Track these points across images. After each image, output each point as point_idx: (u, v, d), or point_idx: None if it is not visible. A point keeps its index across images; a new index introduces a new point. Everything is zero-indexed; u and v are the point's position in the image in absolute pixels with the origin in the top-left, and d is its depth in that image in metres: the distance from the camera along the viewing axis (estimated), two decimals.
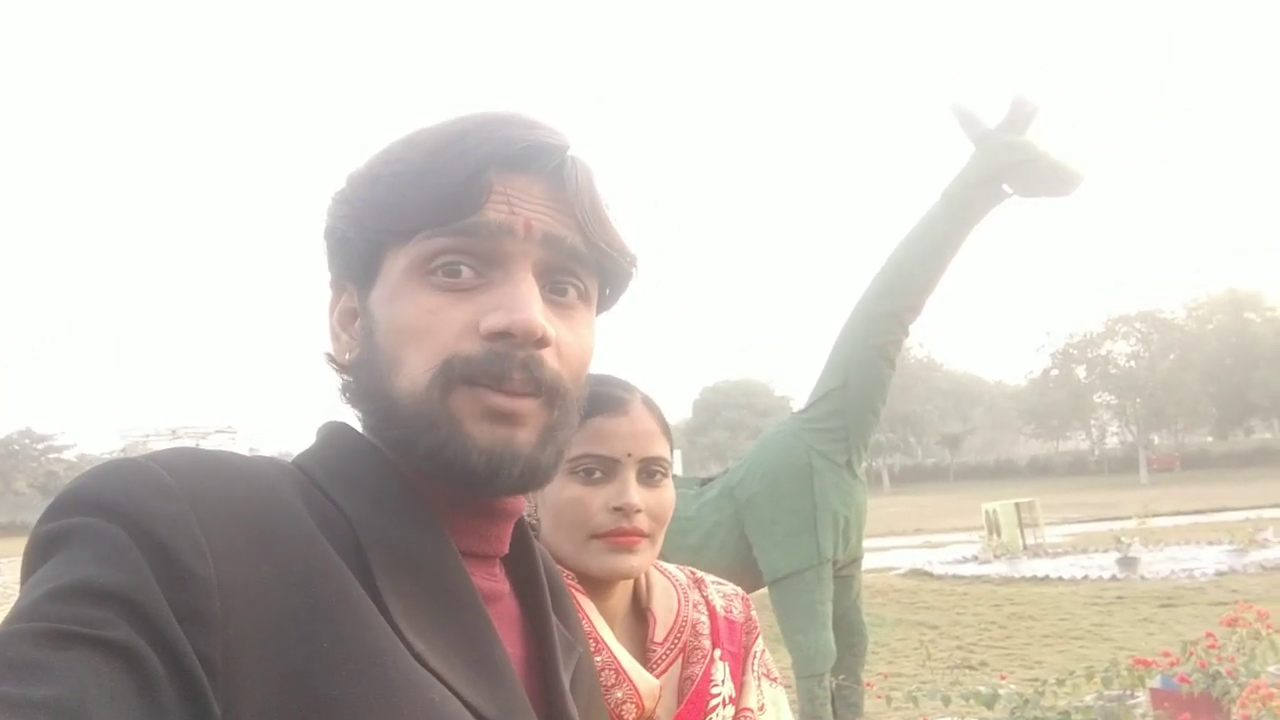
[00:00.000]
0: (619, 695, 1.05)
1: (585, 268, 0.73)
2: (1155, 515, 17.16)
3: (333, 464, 0.70)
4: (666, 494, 1.14)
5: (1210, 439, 52.57)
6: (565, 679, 0.74)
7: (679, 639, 1.15)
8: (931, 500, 29.43)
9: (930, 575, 13.35)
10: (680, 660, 1.14)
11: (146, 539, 0.55)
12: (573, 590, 1.10)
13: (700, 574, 1.27)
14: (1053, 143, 5.10)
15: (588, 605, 1.11)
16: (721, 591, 1.24)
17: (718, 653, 1.16)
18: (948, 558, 15.45)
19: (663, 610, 1.17)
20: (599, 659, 1.05)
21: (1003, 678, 5.15)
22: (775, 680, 1.22)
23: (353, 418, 0.74)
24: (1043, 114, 4.99)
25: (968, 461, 59.23)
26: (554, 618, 0.78)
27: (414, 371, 0.68)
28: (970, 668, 7.34)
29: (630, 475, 1.12)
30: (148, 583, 0.54)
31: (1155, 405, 47.02)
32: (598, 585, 1.12)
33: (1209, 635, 4.55)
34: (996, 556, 14.81)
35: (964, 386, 63.80)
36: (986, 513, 16.35)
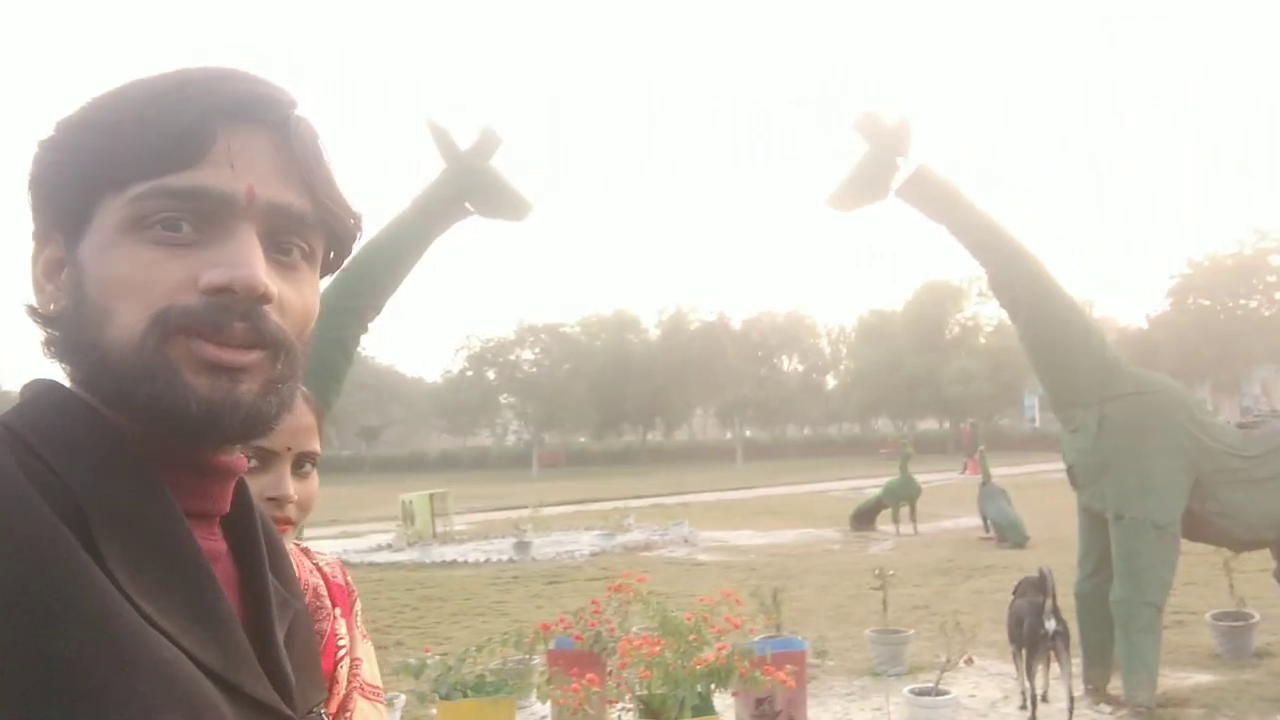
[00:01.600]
0: None
1: (310, 230, 0.73)
2: (545, 505, 18.89)
3: (45, 424, 0.67)
4: (312, 485, 1.21)
5: (590, 440, 60.32)
6: (280, 634, 0.75)
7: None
8: (348, 491, 29.60)
9: (348, 564, 13.56)
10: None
11: None
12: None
13: (305, 546, 1.35)
14: (510, 172, 5.75)
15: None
16: (325, 560, 1.35)
17: (338, 611, 1.26)
18: (364, 546, 15.84)
19: None
20: None
21: (427, 650, 5.63)
22: (367, 637, 1.37)
23: (60, 375, 0.71)
24: (506, 145, 5.61)
25: (383, 454, 60.66)
26: (271, 576, 0.78)
27: (127, 322, 0.66)
28: (387, 647, 7.75)
29: (285, 468, 1.17)
30: None
31: (550, 408, 52.75)
32: None
33: (593, 602, 5.47)
34: (410, 544, 15.54)
35: (385, 381, 65.13)
36: (403, 503, 17.06)
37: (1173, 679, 5.88)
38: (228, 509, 0.77)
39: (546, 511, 18.72)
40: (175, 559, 0.66)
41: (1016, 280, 5.66)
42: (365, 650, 1.33)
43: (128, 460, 0.67)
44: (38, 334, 0.71)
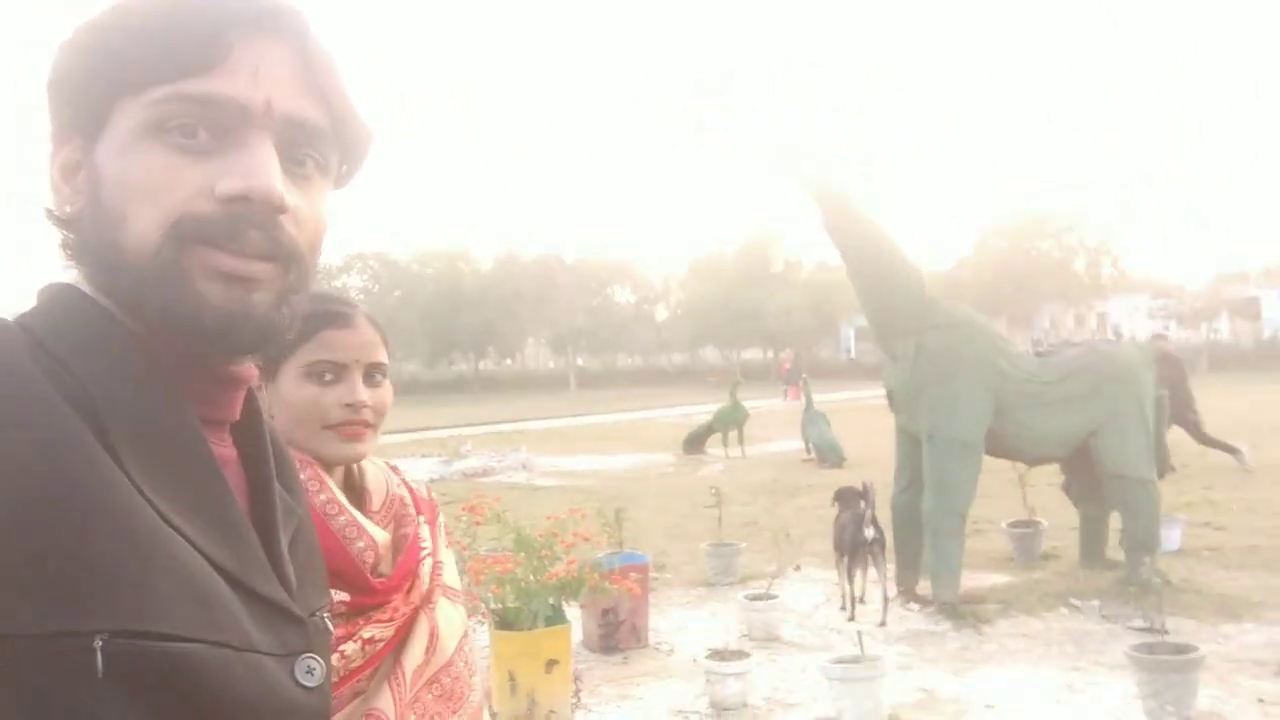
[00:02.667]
0: (361, 545, 1.25)
1: (325, 142, 0.73)
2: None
3: (61, 326, 0.67)
4: (386, 392, 1.34)
5: (421, 368, 59.34)
6: (284, 539, 0.76)
7: (390, 509, 1.37)
8: None
9: None
10: (393, 524, 1.36)
11: None
12: (313, 467, 1.27)
13: (395, 465, 1.48)
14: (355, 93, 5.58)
15: (329, 480, 1.29)
16: (413, 479, 1.47)
17: (422, 518, 1.39)
18: None
19: (375, 487, 1.38)
20: (342, 519, 1.25)
21: None
22: (450, 547, 1.48)
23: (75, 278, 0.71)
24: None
25: None
26: (277, 484, 0.80)
27: (143, 228, 0.66)
28: None
29: (357, 378, 1.29)
30: None
31: None
32: (327, 468, 1.30)
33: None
34: None
35: None
36: None
37: (973, 580, 6.53)
38: (237, 416, 0.78)
39: (381, 439, 18.39)
40: (189, 461, 0.68)
41: (848, 224, 6.04)
42: (447, 556, 1.44)
43: (143, 364, 0.68)
44: (55, 235, 0.71)
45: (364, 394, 1.29)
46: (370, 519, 1.32)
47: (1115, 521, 6.74)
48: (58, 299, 0.70)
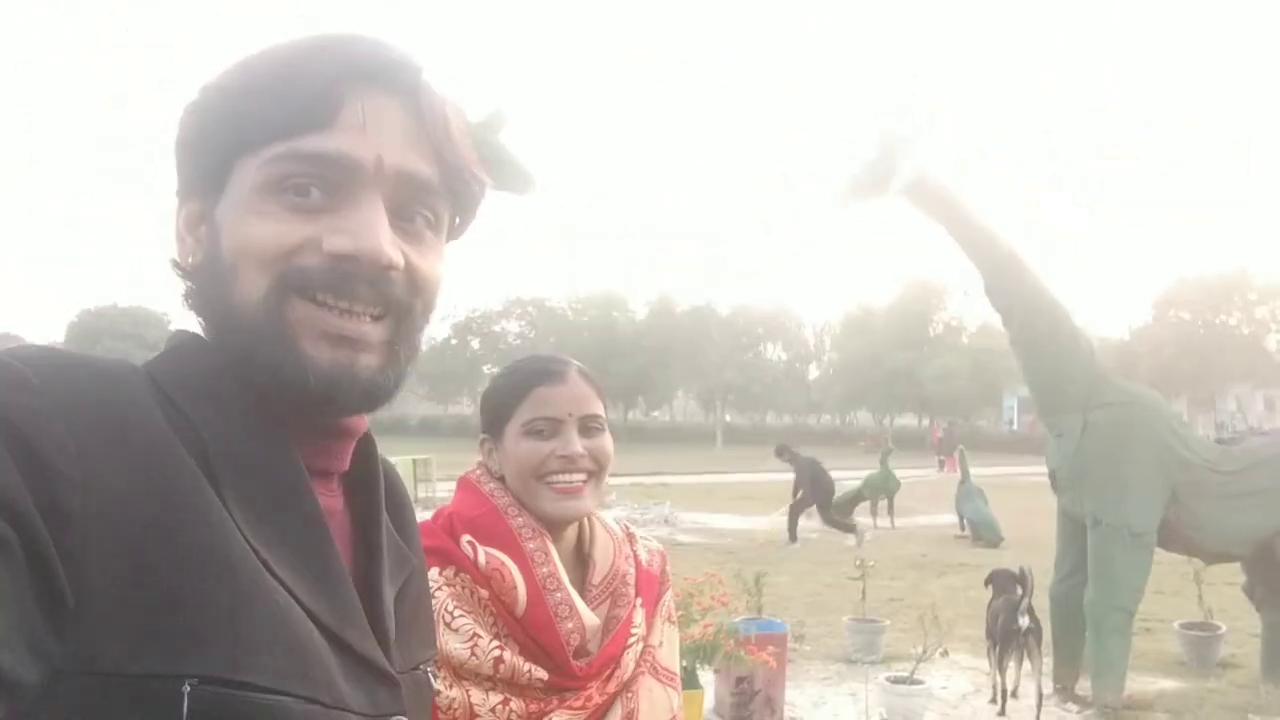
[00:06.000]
0: (569, 626, 1.28)
1: (437, 197, 0.73)
2: None
3: (181, 373, 0.69)
4: (605, 442, 1.37)
5: None
6: (389, 592, 0.76)
7: (610, 584, 1.39)
8: None
9: None
10: (609, 602, 1.38)
11: (11, 434, 0.55)
12: (543, 538, 1.32)
13: (633, 530, 1.51)
14: (519, 146, 5.79)
15: (554, 554, 1.33)
16: (647, 548, 1.49)
17: (639, 600, 1.39)
18: None
19: (601, 558, 1.40)
20: (558, 595, 1.29)
21: None
22: (673, 621, 1.49)
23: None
24: (513, 123, 5.65)
25: None
26: (390, 533, 0.80)
27: (251, 279, 0.68)
28: None
29: (572, 431, 1.34)
30: (12, 476, 0.54)
31: None
32: (552, 528, 1.34)
33: None
34: None
35: None
36: None
37: (1139, 683, 6.06)
38: (346, 467, 0.78)
39: None
40: (294, 511, 0.68)
41: (1011, 286, 5.76)
42: (668, 634, 1.46)
43: (255, 413, 0.69)
44: (179, 286, 0.74)
45: (578, 445, 1.33)
46: (588, 592, 1.35)
47: None
48: (180, 346, 0.73)
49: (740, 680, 5.33)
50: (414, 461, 17.45)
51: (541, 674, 1.25)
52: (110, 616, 0.56)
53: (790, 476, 14.04)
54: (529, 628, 1.27)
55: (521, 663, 1.25)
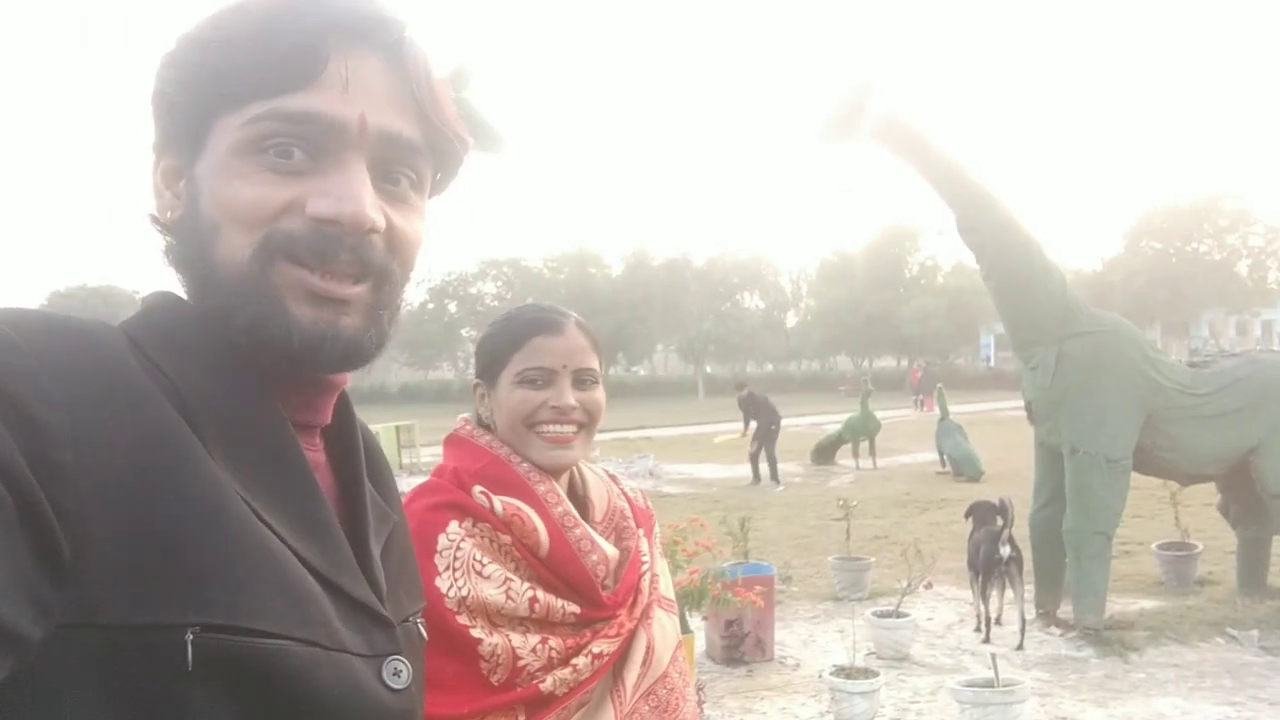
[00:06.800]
0: (594, 559, 1.31)
1: (419, 157, 0.72)
2: None
3: (159, 331, 0.68)
4: (598, 396, 1.38)
5: None
6: (376, 546, 0.76)
7: (612, 521, 1.42)
8: None
9: None
10: (614, 536, 1.40)
11: None
12: (550, 480, 1.34)
13: (613, 473, 1.54)
14: (487, 104, 5.72)
15: (560, 490, 1.35)
16: (631, 486, 1.53)
17: (641, 531, 1.43)
18: None
19: (598, 498, 1.43)
20: (578, 531, 1.32)
21: None
22: (663, 555, 1.54)
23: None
24: (480, 79, 5.58)
25: None
26: (370, 488, 0.80)
27: (235, 243, 0.67)
28: None
29: (565, 383, 1.35)
30: (1, 433, 0.54)
31: None
32: (541, 473, 1.35)
33: None
34: None
35: None
36: None
37: (1119, 604, 6.19)
38: (328, 421, 0.78)
39: None
40: (280, 462, 0.68)
41: (982, 223, 5.78)
42: (661, 567, 1.49)
43: (236, 369, 0.69)
44: (157, 241, 0.72)
45: (571, 397, 1.34)
46: (595, 530, 1.37)
47: (1277, 545, 6.26)
48: (157, 305, 0.72)
49: (730, 624, 5.41)
50: (397, 429, 17.43)
51: (574, 608, 1.27)
52: (108, 569, 0.56)
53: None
54: (555, 566, 1.29)
55: (555, 600, 1.27)
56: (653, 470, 15.16)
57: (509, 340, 1.37)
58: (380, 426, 17.34)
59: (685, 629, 4.60)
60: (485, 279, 55.89)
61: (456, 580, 1.22)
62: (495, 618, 1.23)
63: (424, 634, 0.83)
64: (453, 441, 1.43)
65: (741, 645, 5.47)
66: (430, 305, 55.17)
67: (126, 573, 0.57)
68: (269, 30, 0.67)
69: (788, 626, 6.10)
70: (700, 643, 5.29)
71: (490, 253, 56.45)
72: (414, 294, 57.52)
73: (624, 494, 1.49)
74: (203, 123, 0.69)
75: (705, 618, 5.29)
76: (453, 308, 55.46)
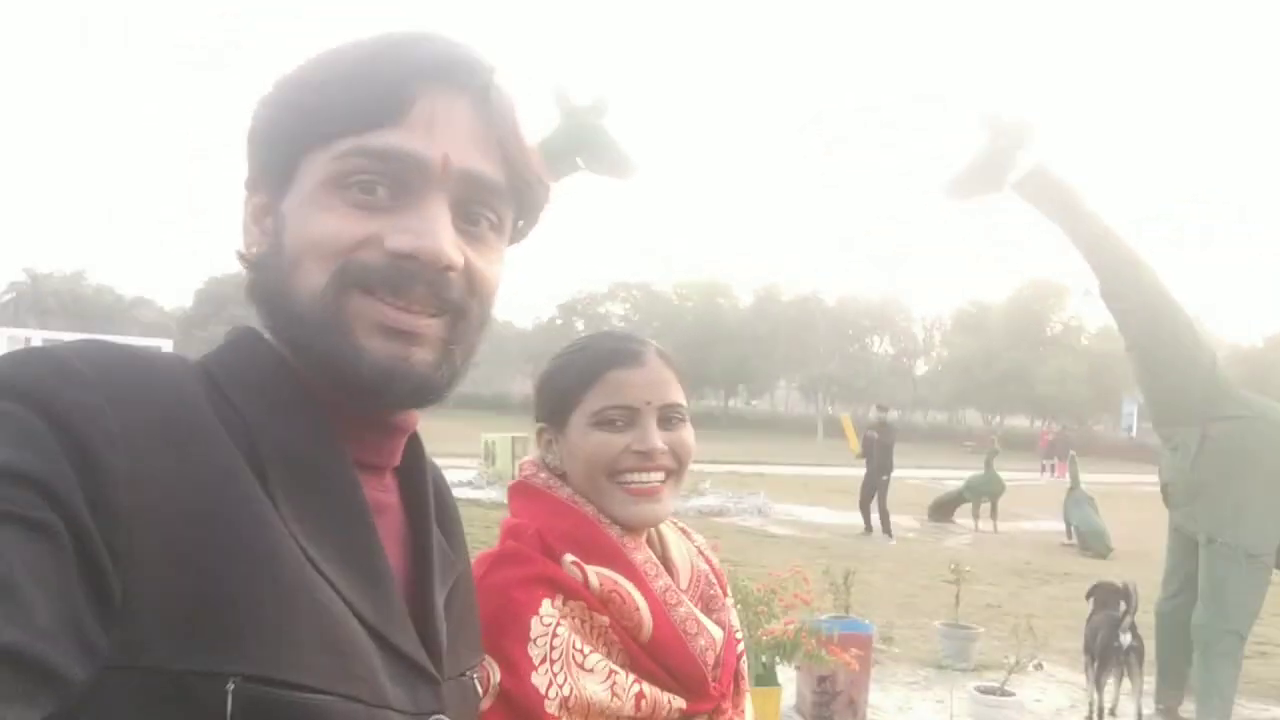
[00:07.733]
0: (702, 643, 1.12)
1: (501, 199, 0.73)
2: None
3: (235, 367, 0.70)
4: (686, 435, 1.18)
5: None
6: (440, 595, 0.75)
7: (698, 589, 1.21)
8: (431, 425, 30.27)
9: None
10: (702, 607, 1.18)
11: (62, 427, 0.56)
12: (640, 544, 1.15)
13: (683, 525, 1.32)
14: (623, 131, 5.81)
15: (656, 559, 1.15)
16: (702, 541, 1.32)
17: (730, 600, 1.24)
18: (448, 481, 16.26)
19: (680, 562, 1.21)
20: (682, 610, 1.12)
21: None
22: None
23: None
24: (617, 109, 5.67)
25: (465, 392, 61.62)
26: (437, 534, 0.79)
27: (312, 272, 0.68)
28: None
29: (650, 422, 1.14)
30: (62, 469, 0.54)
31: None
32: (627, 534, 1.14)
33: None
34: (489, 483, 15.91)
35: None
36: (485, 442, 17.45)
37: (1249, 709, 5.74)
38: (398, 462, 0.78)
39: None
40: (341, 507, 0.68)
41: (1128, 290, 5.48)
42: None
43: (307, 408, 0.69)
44: (245, 277, 0.74)
45: (656, 439, 1.14)
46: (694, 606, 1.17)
47: None
48: (236, 340, 0.74)
49: (823, 679, 5.26)
50: (513, 439, 17.71)
51: (680, 703, 1.10)
52: (156, 613, 0.56)
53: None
54: (658, 652, 1.10)
55: (660, 694, 1.09)
56: (762, 509, 14.94)
57: (581, 375, 1.16)
58: (498, 436, 17.71)
59: (772, 681, 4.50)
60: (614, 299, 56.66)
61: (556, 677, 1.02)
62: (595, 717, 1.05)
63: (479, 690, 0.81)
64: (525, 492, 1.20)
65: (833, 704, 5.30)
66: (559, 321, 56.18)
67: (175, 618, 0.57)
68: (362, 71, 0.68)
69: (884, 689, 5.89)
70: (789, 695, 5.16)
71: (621, 275, 57.06)
72: (544, 309, 58.98)
73: (700, 553, 1.28)
74: (293, 159, 0.70)
75: (798, 667, 5.15)
76: (580, 325, 56.29)
